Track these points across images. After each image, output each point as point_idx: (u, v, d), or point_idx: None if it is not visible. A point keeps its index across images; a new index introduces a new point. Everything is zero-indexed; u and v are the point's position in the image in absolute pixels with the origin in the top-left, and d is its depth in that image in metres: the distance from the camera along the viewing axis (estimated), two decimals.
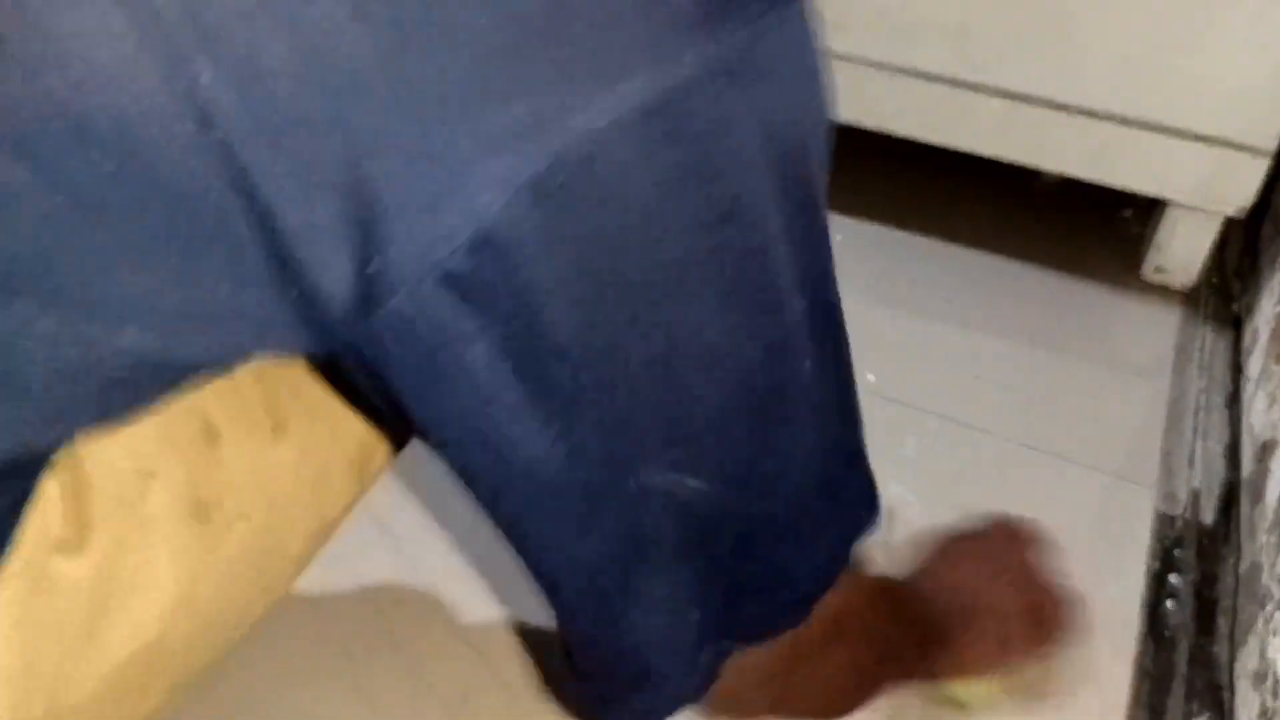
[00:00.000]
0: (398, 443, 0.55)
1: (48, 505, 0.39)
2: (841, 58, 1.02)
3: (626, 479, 0.43)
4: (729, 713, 0.58)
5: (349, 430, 0.51)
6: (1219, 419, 0.94)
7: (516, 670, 0.71)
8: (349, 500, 0.53)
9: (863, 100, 1.03)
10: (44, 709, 0.40)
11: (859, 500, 0.57)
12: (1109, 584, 0.78)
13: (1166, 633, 0.76)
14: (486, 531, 0.80)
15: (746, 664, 0.56)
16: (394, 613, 0.74)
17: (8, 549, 0.37)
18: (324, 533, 0.52)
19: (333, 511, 0.52)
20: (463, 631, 0.73)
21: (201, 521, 0.44)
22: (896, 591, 0.62)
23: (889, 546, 0.80)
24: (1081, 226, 1.15)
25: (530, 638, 0.73)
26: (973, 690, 0.67)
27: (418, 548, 0.79)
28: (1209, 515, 0.85)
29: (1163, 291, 1.07)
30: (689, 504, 0.46)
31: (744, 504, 0.48)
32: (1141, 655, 0.74)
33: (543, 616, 0.74)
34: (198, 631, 0.46)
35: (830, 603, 0.56)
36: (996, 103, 0.99)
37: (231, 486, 0.45)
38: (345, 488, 0.52)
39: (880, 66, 1.01)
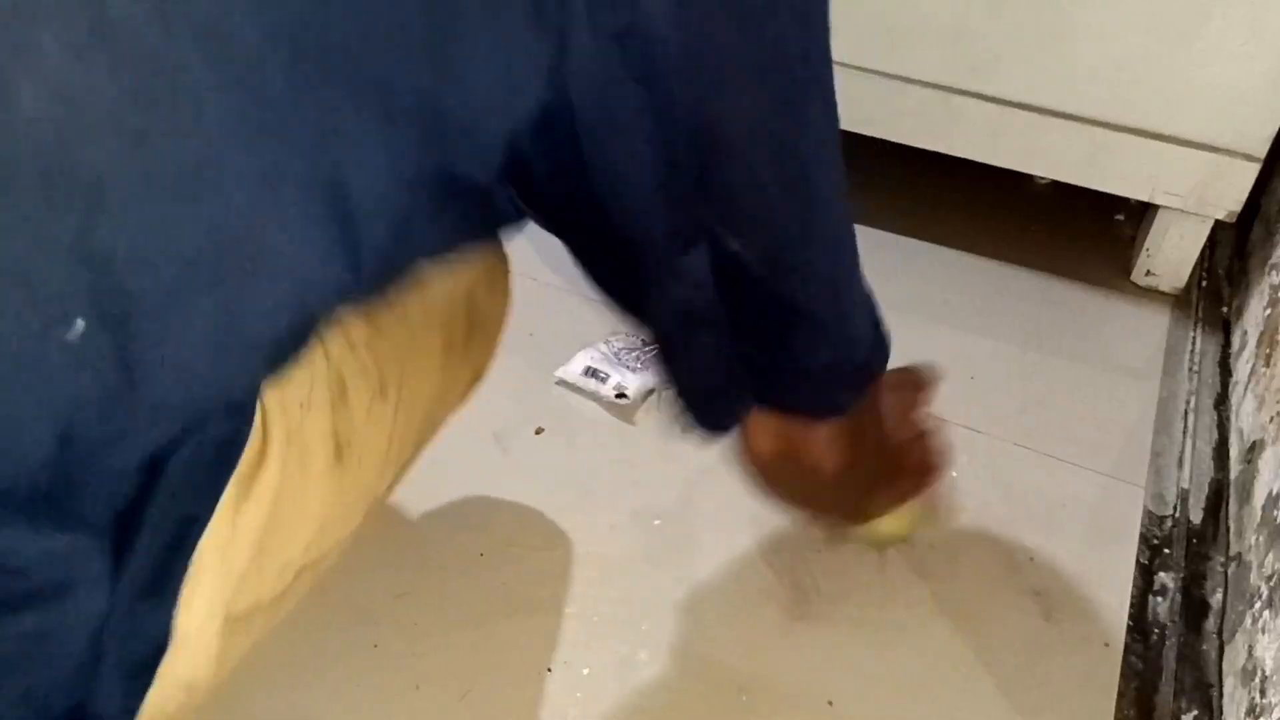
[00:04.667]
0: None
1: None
2: (836, 64, 1.02)
3: (682, 215, 0.49)
4: (753, 472, 0.66)
5: (421, 395, 0.59)
6: (1208, 420, 0.95)
7: (517, 662, 0.72)
8: (415, 454, 0.62)
9: (856, 106, 1.04)
10: (227, 608, 0.46)
11: (873, 330, 0.61)
12: (1099, 582, 0.80)
13: (1155, 630, 0.77)
14: (480, 529, 0.81)
15: (768, 438, 0.63)
16: (393, 609, 0.75)
17: (235, 470, 0.44)
18: (399, 481, 0.61)
19: (405, 463, 0.60)
20: (461, 626, 0.74)
21: (338, 460, 0.51)
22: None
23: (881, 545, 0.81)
24: (1073, 230, 1.16)
25: (531, 627, 0.74)
26: (891, 525, 0.70)
27: (413, 546, 0.79)
28: (1198, 514, 0.86)
29: (1153, 294, 1.09)
30: (732, 268, 0.51)
31: (778, 281, 0.54)
32: (1130, 653, 0.75)
33: (542, 609, 0.75)
34: (324, 553, 0.53)
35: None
36: (989, 109, 1.00)
37: (356, 433, 0.52)
38: (414, 445, 0.61)
39: (874, 73, 1.02)
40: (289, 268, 0.39)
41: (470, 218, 0.49)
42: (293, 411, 0.48)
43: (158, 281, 0.35)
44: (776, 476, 0.66)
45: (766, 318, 0.55)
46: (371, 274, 0.44)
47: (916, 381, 0.71)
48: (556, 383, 0.93)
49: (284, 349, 0.44)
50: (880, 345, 0.62)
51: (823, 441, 0.62)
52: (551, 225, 0.52)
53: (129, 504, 0.40)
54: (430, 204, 0.44)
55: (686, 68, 0.45)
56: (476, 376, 0.67)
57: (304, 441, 0.49)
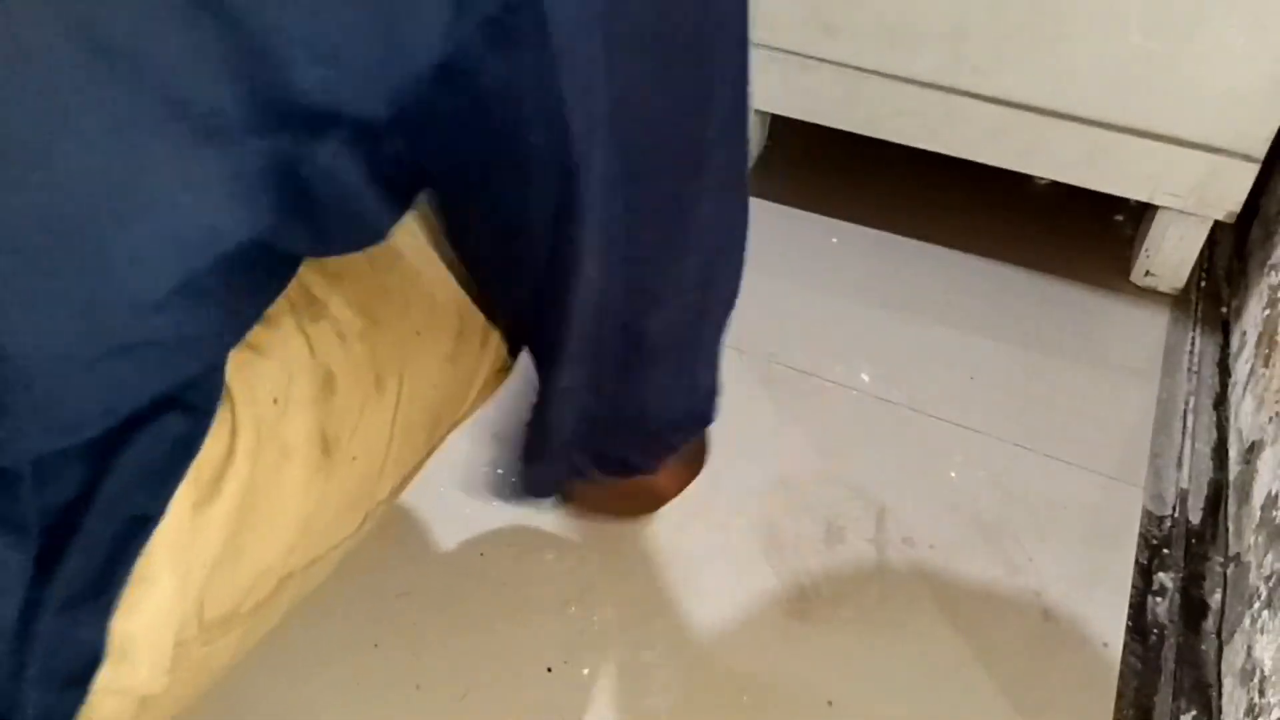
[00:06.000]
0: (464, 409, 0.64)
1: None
2: (837, 64, 1.03)
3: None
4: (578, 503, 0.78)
5: (428, 392, 0.57)
6: (1207, 420, 0.95)
7: (518, 662, 0.72)
8: (422, 458, 0.60)
9: (858, 106, 1.04)
10: (198, 614, 0.44)
11: (711, 385, 0.68)
12: (1098, 582, 0.80)
13: (1154, 631, 0.77)
14: (480, 529, 0.81)
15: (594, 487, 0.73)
16: (393, 609, 0.75)
17: (185, 474, 0.42)
18: (402, 485, 0.59)
19: (411, 464, 0.59)
20: (461, 626, 0.74)
21: (326, 457, 0.49)
22: None
23: (882, 546, 0.81)
24: (1073, 231, 1.16)
25: (531, 627, 0.74)
26: None
27: (413, 546, 0.79)
28: (1196, 515, 0.87)
29: (1153, 295, 1.09)
30: (595, 297, 0.53)
31: (639, 303, 0.56)
32: (1130, 653, 0.76)
33: (542, 609, 0.75)
34: (312, 560, 0.51)
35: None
36: (990, 109, 1.00)
37: (347, 428, 0.50)
38: (422, 444, 0.59)
39: (875, 73, 1.02)
40: (168, 209, 0.37)
41: (369, 160, 0.45)
42: (265, 407, 0.46)
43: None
44: (610, 504, 0.78)
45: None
46: (279, 209, 0.40)
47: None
48: None
49: (199, 303, 0.40)
50: (712, 395, 0.70)
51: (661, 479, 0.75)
52: (435, 182, 0.50)
53: (67, 504, 0.38)
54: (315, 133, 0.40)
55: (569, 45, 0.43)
56: (499, 370, 0.65)
57: (281, 439, 0.46)
